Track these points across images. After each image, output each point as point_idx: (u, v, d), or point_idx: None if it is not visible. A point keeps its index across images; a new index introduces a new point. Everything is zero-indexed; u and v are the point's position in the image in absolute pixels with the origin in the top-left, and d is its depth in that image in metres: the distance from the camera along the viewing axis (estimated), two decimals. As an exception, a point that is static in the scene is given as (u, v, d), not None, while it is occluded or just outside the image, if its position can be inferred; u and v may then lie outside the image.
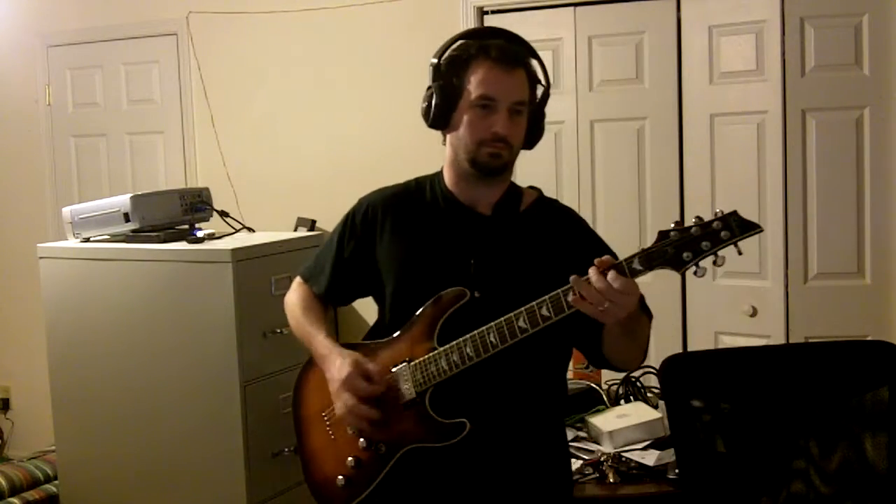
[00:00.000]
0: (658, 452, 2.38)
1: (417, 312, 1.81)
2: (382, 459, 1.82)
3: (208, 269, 3.09)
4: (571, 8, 3.77)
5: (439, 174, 1.93)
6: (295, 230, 4.03)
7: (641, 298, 1.70)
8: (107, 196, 3.58)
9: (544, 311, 1.65)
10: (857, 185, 3.41)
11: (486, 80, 1.78)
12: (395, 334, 1.85)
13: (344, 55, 4.13)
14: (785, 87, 3.41)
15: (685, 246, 1.55)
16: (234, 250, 3.05)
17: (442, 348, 1.76)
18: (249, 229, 3.51)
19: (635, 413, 2.57)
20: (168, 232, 3.29)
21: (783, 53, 3.40)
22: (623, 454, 2.40)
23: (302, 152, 4.23)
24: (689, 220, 1.57)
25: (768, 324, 3.47)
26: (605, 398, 2.72)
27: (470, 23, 3.87)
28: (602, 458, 2.38)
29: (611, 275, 1.57)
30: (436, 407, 1.77)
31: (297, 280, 2.08)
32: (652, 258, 1.57)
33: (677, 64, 3.61)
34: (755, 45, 3.46)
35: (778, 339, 3.43)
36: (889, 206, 3.39)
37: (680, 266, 1.56)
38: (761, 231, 1.54)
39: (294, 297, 2.05)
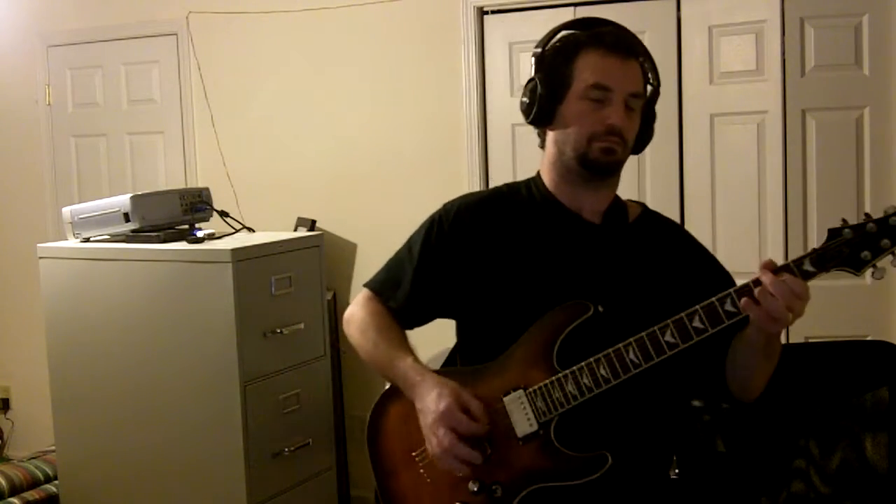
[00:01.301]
0: (658, 452, 2.38)
1: (528, 331, 1.59)
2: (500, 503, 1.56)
3: (208, 269, 3.09)
4: (571, 8, 3.76)
5: (535, 178, 1.74)
6: (295, 230, 4.03)
7: None
8: (107, 196, 3.58)
9: (697, 323, 1.47)
10: (857, 185, 3.41)
11: (600, 67, 1.61)
12: (501, 357, 1.61)
13: (344, 55, 4.13)
14: (785, 87, 3.41)
15: (862, 244, 1.41)
16: (234, 250, 3.05)
17: (568, 370, 1.54)
18: (249, 229, 3.50)
19: (635, 413, 2.57)
20: (168, 232, 3.29)
21: (783, 53, 3.40)
22: (623, 454, 2.40)
23: (302, 152, 4.23)
24: (856, 218, 1.45)
25: (768, 324, 3.46)
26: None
27: (470, 23, 3.87)
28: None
29: (787, 277, 1.43)
30: (561, 440, 1.55)
31: (365, 294, 1.80)
32: (826, 258, 1.44)
33: (677, 64, 3.61)
34: (755, 45, 3.46)
35: (778, 339, 3.42)
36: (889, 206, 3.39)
37: (859, 266, 1.42)
38: None
39: (362, 313, 1.76)
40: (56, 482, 3.67)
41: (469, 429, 1.54)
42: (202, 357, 3.11)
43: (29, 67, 4.78)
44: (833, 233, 1.44)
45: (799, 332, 3.42)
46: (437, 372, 1.65)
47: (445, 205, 1.77)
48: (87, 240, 3.42)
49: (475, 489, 1.56)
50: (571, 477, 1.53)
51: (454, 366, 1.79)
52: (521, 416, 1.55)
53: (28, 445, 4.64)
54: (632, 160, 3.81)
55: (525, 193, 1.73)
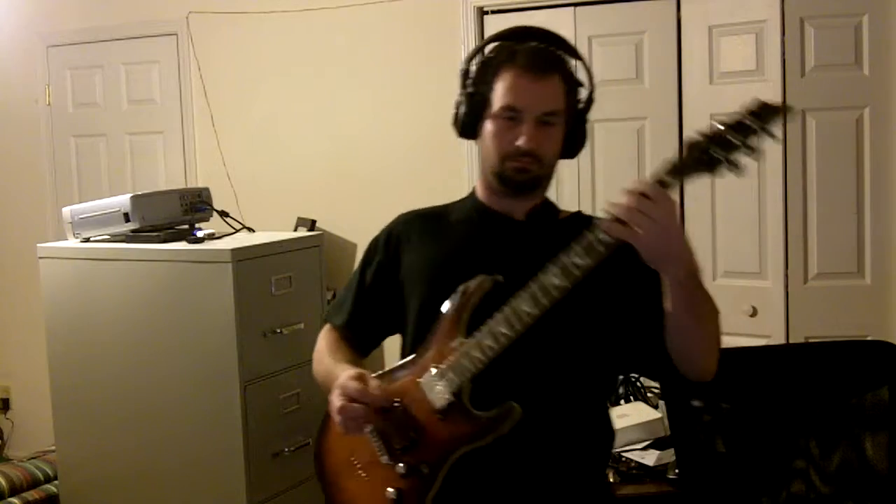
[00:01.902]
0: (658, 452, 2.38)
1: (438, 317, 1.63)
2: (427, 481, 1.59)
3: (208, 269, 3.08)
4: (571, 8, 3.77)
5: (471, 192, 1.82)
6: (295, 230, 4.03)
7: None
8: (107, 196, 3.57)
9: (576, 259, 1.47)
10: (857, 185, 3.41)
11: (511, 89, 1.64)
12: (420, 347, 1.66)
13: (344, 55, 4.13)
14: (785, 87, 3.41)
15: (712, 144, 1.40)
16: (234, 250, 3.05)
17: (472, 338, 1.56)
18: (249, 229, 3.50)
19: (635, 413, 2.57)
20: (168, 232, 3.29)
21: (783, 53, 3.40)
22: (623, 454, 2.40)
23: (302, 152, 4.23)
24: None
25: (768, 324, 3.47)
26: (605, 398, 2.72)
27: (470, 23, 3.87)
28: (600, 460, 2.38)
29: (638, 185, 1.43)
30: (477, 405, 1.57)
31: (324, 326, 1.91)
32: (681, 165, 1.43)
33: (677, 64, 3.61)
34: (755, 45, 3.46)
35: (778, 339, 3.43)
36: (889, 206, 3.40)
37: (713, 165, 1.40)
38: (789, 110, 1.41)
39: (319, 345, 1.86)
40: (56, 482, 3.67)
41: (356, 390, 1.58)
42: (202, 357, 3.11)
43: (29, 67, 4.79)
44: (687, 143, 1.44)
45: (799, 332, 3.43)
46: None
47: (386, 225, 1.86)
48: (87, 240, 3.42)
49: (404, 472, 1.61)
50: (486, 433, 1.54)
51: None
52: (436, 392, 1.59)
53: (28, 445, 4.64)
54: (632, 160, 3.85)
55: (459, 207, 1.82)
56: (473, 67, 1.73)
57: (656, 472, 2.33)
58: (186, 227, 3.42)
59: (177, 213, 3.40)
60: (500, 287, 1.59)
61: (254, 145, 4.33)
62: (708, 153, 1.40)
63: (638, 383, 2.75)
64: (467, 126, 1.73)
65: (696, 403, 2.11)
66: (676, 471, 2.25)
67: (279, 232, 3.65)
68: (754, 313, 3.50)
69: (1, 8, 4.85)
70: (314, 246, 3.43)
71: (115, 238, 3.37)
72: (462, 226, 1.77)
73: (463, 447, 1.57)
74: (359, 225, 4.11)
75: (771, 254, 3.48)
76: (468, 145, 3.86)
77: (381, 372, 1.72)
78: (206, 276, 3.09)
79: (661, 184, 1.43)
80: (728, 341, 3.78)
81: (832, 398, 2.08)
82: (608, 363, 1.73)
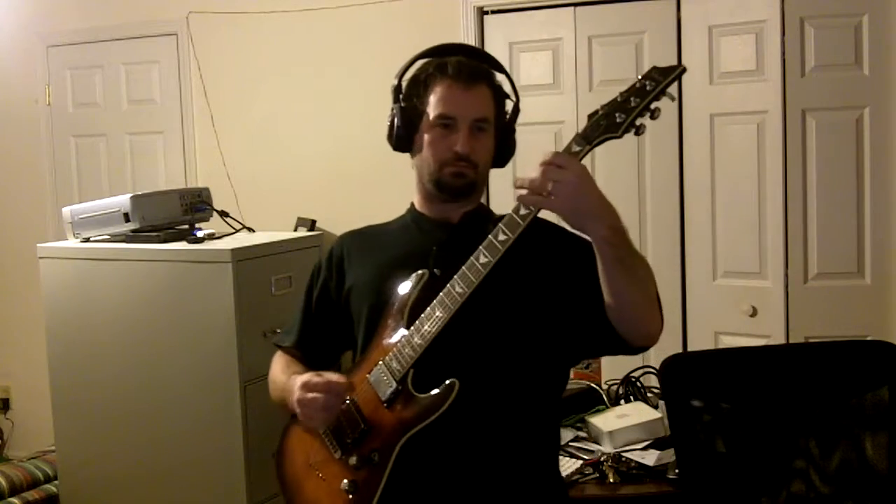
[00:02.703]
0: (658, 452, 2.38)
1: (381, 316, 1.72)
2: (378, 468, 1.65)
3: (208, 269, 3.09)
4: (571, 8, 3.77)
5: (410, 206, 1.89)
6: (295, 230, 4.03)
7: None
8: (107, 196, 3.58)
9: (500, 237, 1.55)
10: (857, 185, 3.41)
11: (443, 98, 1.72)
12: (367, 347, 1.74)
13: (344, 55, 4.13)
14: (785, 87, 3.41)
15: (615, 110, 1.53)
16: (234, 250, 3.05)
17: (411, 326, 1.64)
18: (249, 229, 3.51)
19: (635, 413, 2.57)
20: (168, 232, 3.29)
21: (783, 53, 3.40)
22: (623, 454, 2.40)
23: (302, 152, 4.23)
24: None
25: (768, 324, 3.47)
26: (605, 398, 2.72)
27: (470, 23, 3.87)
28: (602, 458, 2.38)
29: (545, 155, 1.50)
30: (419, 389, 1.62)
31: (276, 352, 1.97)
32: (587, 134, 1.54)
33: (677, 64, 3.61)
34: (755, 45, 3.46)
35: (778, 339, 3.43)
36: (889, 206, 3.40)
37: (616, 129, 1.53)
38: (684, 70, 1.55)
39: (273, 369, 1.92)
40: (56, 482, 3.68)
41: (319, 383, 1.65)
42: (202, 357, 3.12)
43: (29, 67, 4.79)
44: (590, 115, 1.54)
45: (799, 332, 3.43)
46: None
47: (327, 248, 1.92)
48: (87, 240, 3.42)
49: (356, 463, 1.66)
50: (429, 413, 1.59)
51: None
52: (383, 384, 1.66)
53: (28, 445, 4.64)
54: (632, 160, 3.85)
55: (398, 220, 1.89)
56: (404, 83, 1.80)
57: (656, 472, 2.33)
58: (186, 227, 3.42)
59: (177, 213, 3.40)
60: (439, 281, 1.65)
61: (254, 145, 4.33)
62: (612, 118, 1.52)
63: (638, 383, 2.75)
64: (402, 139, 1.79)
65: (696, 403, 2.11)
66: (676, 471, 2.25)
67: (279, 232, 3.65)
68: (754, 313, 3.50)
69: (1, 8, 4.85)
70: (314, 246, 3.44)
71: (115, 238, 3.37)
72: (400, 234, 1.84)
73: (409, 431, 1.61)
74: (358, 225, 4.11)
75: (771, 254, 3.48)
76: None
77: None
78: (206, 276, 3.09)
79: (574, 153, 1.53)
80: (728, 341, 3.80)
81: (832, 398, 2.08)
82: (551, 346, 1.73)
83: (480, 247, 1.57)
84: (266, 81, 4.29)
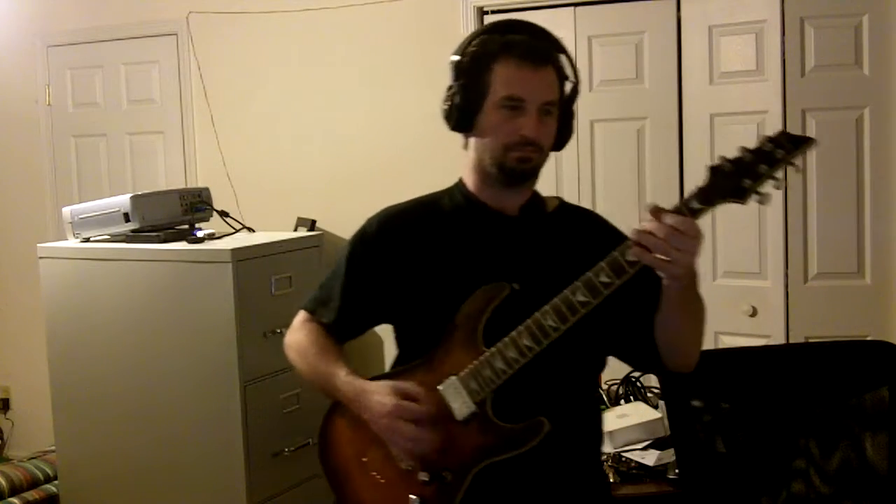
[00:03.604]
0: (658, 452, 2.38)
1: (452, 321, 1.63)
2: (451, 489, 1.60)
3: (208, 269, 3.09)
4: (571, 8, 3.77)
5: (458, 183, 1.79)
6: (295, 230, 4.03)
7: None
8: (107, 196, 3.58)
9: (603, 278, 1.50)
10: (857, 185, 3.41)
11: (512, 79, 1.64)
12: (430, 352, 1.66)
13: (344, 55, 4.13)
14: (785, 87, 3.41)
15: (742, 174, 1.43)
16: (234, 250, 3.05)
17: (493, 348, 1.57)
18: (249, 229, 3.51)
19: (635, 413, 2.57)
20: (168, 232, 3.29)
21: (783, 53, 3.40)
22: (623, 454, 2.40)
23: (302, 152, 4.23)
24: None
25: (768, 324, 3.46)
26: (605, 398, 2.72)
27: (470, 23, 3.86)
28: (602, 458, 2.38)
29: (670, 217, 1.45)
30: (499, 415, 1.59)
31: (301, 316, 1.85)
32: (710, 193, 1.46)
33: (677, 64, 3.61)
34: (755, 45, 3.46)
35: (778, 339, 3.42)
36: (889, 206, 3.39)
37: (742, 195, 1.44)
38: (815, 143, 1.44)
39: (299, 336, 1.82)
40: (56, 482, 3.68)
41: (420, 411, 1.58)
42: (202, 357, 3.11)
43: (29, 67, 4.78)
44: (713, 169, 1.46)
45: (799, 332, 3.43)
46: (376, 377, 1.69)
47: (369, 219, 1.81)
48: (87, 240, 3.42)
49: (426, 479, 1.61)
50: (513, 447, 1.57)
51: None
52: (458, 401, 1.59)
53: (28, 445, 4.64)
54: (632, 160, 3.84)
55: (448, 199, 1.78)
56: (465, 59, 1.71)
57: (656, 472, 2.33)
58: (186, 227, 3.42)
59: (177, 213, 3.40)
60: (517, 297, 1.61)
61: (254, 145, 4.33)
62: (738, 183, 1.43)
63: (638, 383, 2.75)
64: (463, 119, 1.69)
65: (696, 403, 2.11)
66: (676, 471, 2.25)
67: (279, 232, 3.65)
68: (754, 313, 3.50)
69: (1, 8, 4.85)
70: (314, 246, 3.44)
71: (115, 238, 3.37)
72: (456, 221, 1.74)
73: (489, 459, 1.58)
74: (359, 225, 4.11)
75: (771, 254, 3.48)
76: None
77: (388, 373, 1.73)
78: (206, 276, 3.09)
79: (691, 210, 1.47)
80: (728, 341, 3.80)
81: (832, 398, 2.08)
82: (603, 362, 1.78)
83: (578, 282, 1.52)
84: (266, 81, 4.29)
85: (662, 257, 1.45)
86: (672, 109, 3.61)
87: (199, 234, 3.32)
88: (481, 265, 1.67)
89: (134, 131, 4.63)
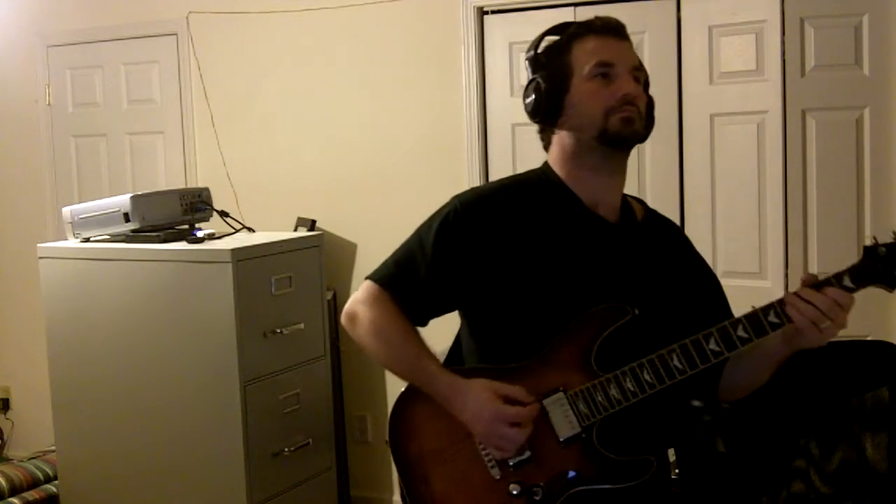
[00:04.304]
0: (658, 452, 2.38)
1: (565, 332, 1.58)
2: None
3: (208, 269, 3.09)
4: (572, 8, 3.76)
5: (547, 169, 1.71)
6: (295, 230, 4.03)
7: None
8: (107, 196, 3.58)
9: (741, 333, 1.52)
10: (857, 185, 3.41)
11: (599, 48, 1.63)
12: (534, 358, 1.60)
13: (344, 55, 4.13)
14: (785, 87, 3.41)
15: (894, 262, 1.49)
16: (234, 250, 3.05)
17: (611, 374, 1.55)
18: (249, 229, 3.50)
19: (635, 413, 2.57)
20: (168, 232, 3.29)
21: (783, 53, 3.40)
22: (623, 454, 2.39)
23: (302, 152, 4.23)
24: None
25: (768, 324, 3.46)
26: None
27: (470, 23, 3.86)
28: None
29: (834, 291, 1.50)
30: (602, 443, 1.56)
31: (372, 290, 1.70)
32: (864, 275, 1.51)
33: (677, 64, 3.61)
34: (755, 45, 3.46)
35: (778, 339, 3.42)
36: (889, 206, 3.39)
37: (894, 284, 1.51)
38: None
39: (374, 313, 1.67)
40: (56, 482, 3.68)
41: (524, 415, 1.54)
42: (202, 357, 3.11)
43: (29, 67, 4.78)
44: (869, 251, 1.51)
45: (799, 332, 3.42)
46: (465, 371, 1.63)
47: (457, 196, 1.71)
48: (87, 240, 3.42)
49: (515, 491, 1.56)
50: (616, 480, 1.54)
51: (459, 362, 1.76)
52: (562, 419, 1.55)
53: (28, 445, 4.64)
54: (633, 160, 3.82)
55: (538, 184, 1.70)
56: (541, 52, 1.69)
57: (656, 472, 2.33)
58: (186, 227, 3.42)
59: (177, 213, 3.40)
60: (636, 321, 1.58)
61: (254, 145, 4.33)
62: (890, 271, 1.50)
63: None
64: (552, 105, 1.64)
65: (696, 403, 2.11)
66: (676, 471, 2.25)
67: (279, 232, 3.65)
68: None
69: (1, 8, 4.85)
70: (314, 246, 3.43)
71: (115, 238, 3.37)
72: (552, 215, 1.66)
73: (586, 485, 1.55)
74: (359, 225, 4.12)
75: (771, 254, 3.48)
76: (469, 144, 3.86)
77: (481, 367, 1.67)
78: (206, 276, 3.09)
79: (844, 288, 1.51)
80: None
81: (832, 398, 2.08)
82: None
83: (714, 330, 1.53)
84: (266, 81, 4.29)
85: (820, 328, 1.49)
86: (672, 109, 3.61)
87: (199, 234, 3.32)
88: (587, 275, 1.62)
89: (134, 131, 4.63)
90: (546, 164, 1.72)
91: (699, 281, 1.74)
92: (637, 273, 1.65)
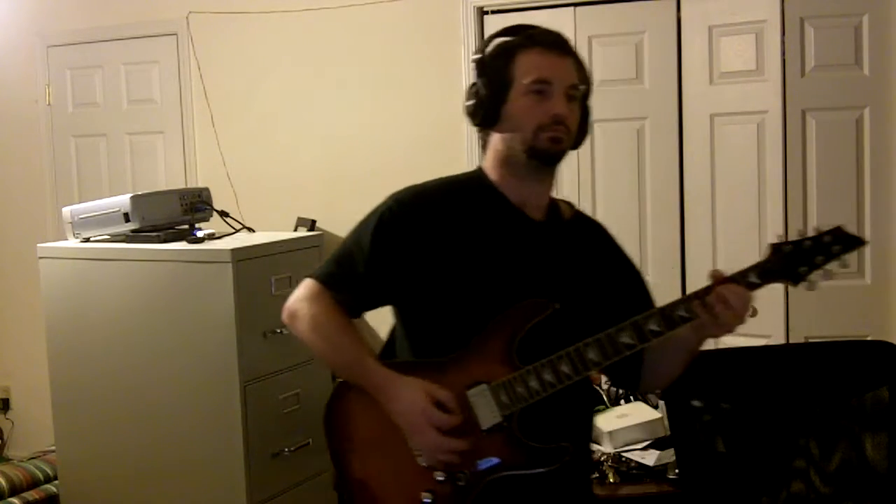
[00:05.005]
0: (658, 452, 2.38)
1: (488, 327, 1.65)
2: (464, 492, 1.63)
3: (208, 269, 3.08)
4: (571, 8, 3.77)
5: (480, 173, 1.78)
6: (295, 230, 4.03)
7: None
8: (107, 196, 3.57)
9: (653, 326, 1.59)
10: (857, 185, 3.41)
11: (538, 63, 1.68)
12: (461, 352, 1.67)
13: (344, 55, 4.13)
14: (785, 87, 3.41)
15: (799, 260, 1.57)
16: (234, 250, 3.05)
17: (531, 366, 1.62)
18: (249, 229, 3.50)
19: (635, 413, 2.57)
20: (168, 232, 3.29)
21: (783, 53, 3.40)
22: (623, 454, 2.40)
23: (302, 152, 4.23)
24: (789, 235, 1.61)
25: (768, 324, 3.46)
26: (605, 398, 2.72)
27: (470, 23, 3.87)
28: (602, 458, 2.38)
29: (737, 288, 1.57)
30: (522, 431, 1.63)
31: (312, 287, 1.78)
32: (769, 272, 1.59)
33: (677, 64, 3.61)
34: (755, 45, 3.46)
35: (778, 339, 3.42)
36: (889, 206, 3.39)
37: (797, 280, 1.58)
38: (866, 244, 1.59)
39: (315, 309, 1.75)
40: (56, 482, 3.67)
41: (449, 422, 1.62)
42: (202, 357, 3.11)
43: (29, 67, 4.78)
44: (775, 248, 1.59)
45: (799, 332, 3.43)
46: (396, 365, 1.71)
47: (394, 195, 1.78)
48: (87, 240, 3.42)
49: (441, 478, 1.64)
50: (534, 466, 1.62)
51: (392, 356, 1.82)
52: (486, 409, 1.63)
53: (28, 445, 4.64)
54: (632, 160, 3.84)
55: (471, 186, 1.77)
56: (487, 56, 1.74)
57: (656, 472, 2.33)
58: (186, 227, 3.42)
59: (177, 213, 3.40)
60: (555, 315, 1.65)
61: (254, 145, 4.33)
62: (795, 268, 1.58)
63: (638, 383, 2.75)
64: (490, 112, 1.70)
65: (696, 403, 2.11)
66: (676, 471, 2.25)
67: (279, 232, 3.65)
68: (754, 313, 3.48)
69: (1, 8, 4.85)
70: (314, 246, 3.43)
71: (115, 238, 3.36)
72: (482, 214, 1.73)
73: (507, 471, 1.63)
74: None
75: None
76: (468, 144, 3.86)
77: (410, 361, 1.74)
78: (206, 276, 3.09)
79: (749, 284, 1.59)
80: (728, 341, 3.78)
81: (832, 398, 2.08)
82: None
83: (627, 323, 1.60)
84: (266, 81, 4.29)
85: (723, 321, 1.57)
86: (672, 109, 3.61)
87: (199, 234, 3.31)
88: (513, 272, 1.69)
89: (134, 131, 4.63)
90: (480, 167, 1.80)
91: (622, 276, 1.81)
92: (560, 269, 1.73)
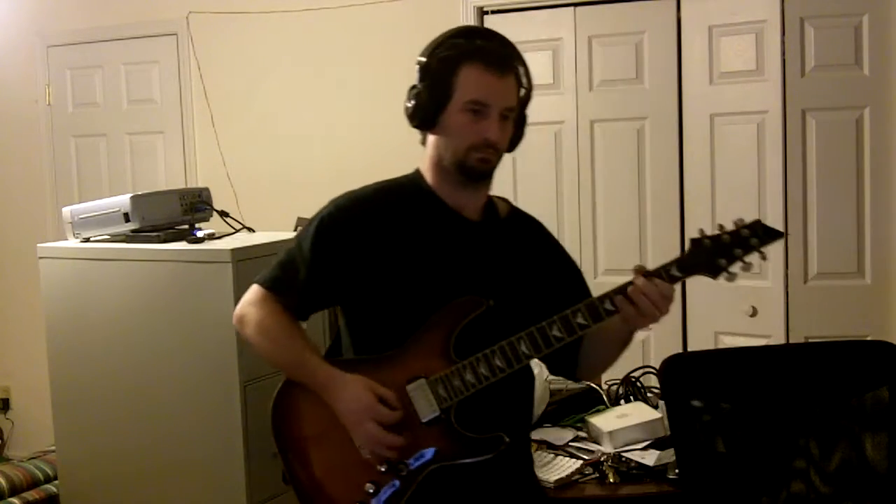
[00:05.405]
0: (658, 452, 2.38)
1: (426, 324, 1.72)
2: (405, 482, 1.71)
3: (208, 269, 3.08)
4: (571, 8, 3.77)
5: (416, 175, 1.85)
6: (295, 230, 4.02)
7: None
8: (107, 196, 3.57)
9: (580, 320, 1.65)
10: (857, 185, 3.41)
11: (477, 84, 1.72)
12: (399, 348, 1.74)
13: (344, 55, 4.13)
14: (785, 87, 3.41)
15: (719, 253, 1.63)
16: (234, 250, 3.05)
17: (466, 360, 1.69)
18: (249, 229, 3.50)
19: (635, 413, 2.57)
20: (168, 232, 3.29)
21: (783, 53, 3.41)
22: (623, 454, 2.40)
23: (302, 152, 4.24)
24: (709, 230, 1.65)
25: (768, 324, 3.47)
26: (605, 398, 2.72)
27: (470, 23, 3.87)
28: (602, 458, 2.38)
29: (659, 282, 1.62)
30: (460, 422, 1.71)
31: (258, 293, 1.84)
32: (689, 265, 1.64)
33: (677, 64, 3.61)
34: (755, 45, 3.46)
35: (778, 339, 3.43)
36: (889, 206, 3.40)
37: (716, 272, 1.64)
38: (784, 237, 1.61)
39: (261, 313, 1.82)
40: (56, 482, 3.67)
41: (391, 417, 1.69)
42: (202, 357, 3.11)
43: (29, 67, 4.79)
44: (695, 242, 1.64)
45: (799, 332, 3.43)
46: (340, 362, 1.78)
47: (333, 200, 1.87)
48: (87, 240, 3.42)
49: (384, 469, 1.71)
50: (471, 455, 1.70)
51: (338, 353, 1.88)
52: (424, 403, 1.70)
53: (28, 445, 4.64)
54: (632, 160, 3.84)
55: (409, 189, 1.84)
56: (433, 61, 1.78)
57: (656, 472, 2.33)
58: (186, 227, 3.42)
59: (177, 213, 3.40)
60: (490, 311, 1.71)
61: (254, 145, 4.33)
62: (714, 260, 1.63)
63: (638, 383, 2.75)
64: (427, 118, 1.76)
65: (696, 403, 2.11)
66: (676, 471, 2.25)
67: (279, 232, 3.65)
68: (754, 313, 3.50)
69: (1, 8, 4.85)
70: (314, 246, 3.43)
71: (115, 238, 3.36)
72: (419, 216, 1.80)
73: (444, 462, 1.71)
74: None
75: (771, 253, 3.47)
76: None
77: (353, 359, 1.81)
78: (206, 276, 3.09)
79: (671, 277, 1.65)
80: (728, 341, 3.81)
81: (832, 398, 2.08)
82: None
83: (556, 317, 1.66)
84: (266, 81, 4.29)
85: (644, 313, 1.63)
86: (672, 109, 3.61)
87: (199, 234, 3.31)
88: (449, 271, 1.76)
89: (134, 131, 4.63)
90: (418, 169, 1.86)
91: (558, 270, 1.87)
92: (495, 266, 1.79)
